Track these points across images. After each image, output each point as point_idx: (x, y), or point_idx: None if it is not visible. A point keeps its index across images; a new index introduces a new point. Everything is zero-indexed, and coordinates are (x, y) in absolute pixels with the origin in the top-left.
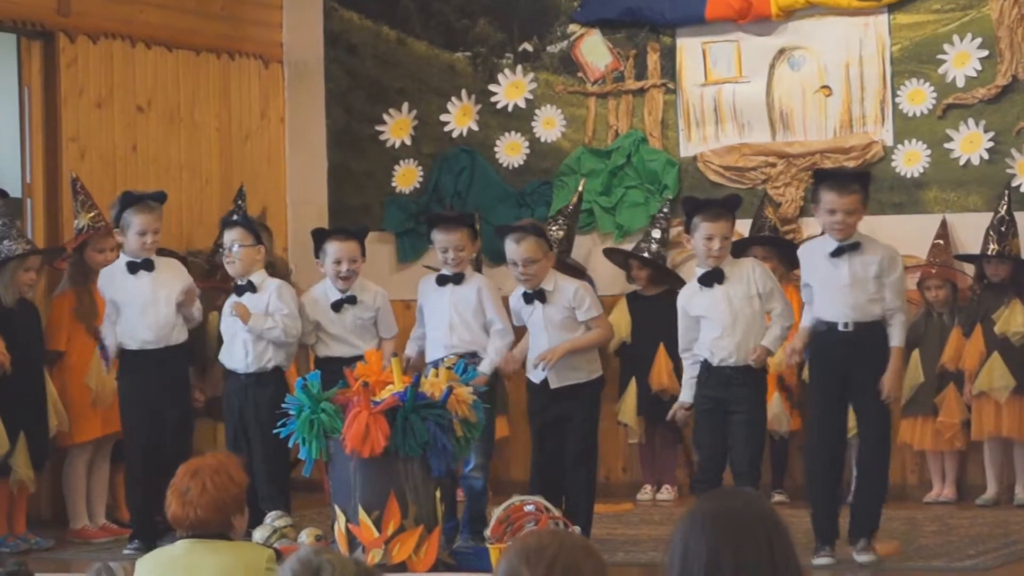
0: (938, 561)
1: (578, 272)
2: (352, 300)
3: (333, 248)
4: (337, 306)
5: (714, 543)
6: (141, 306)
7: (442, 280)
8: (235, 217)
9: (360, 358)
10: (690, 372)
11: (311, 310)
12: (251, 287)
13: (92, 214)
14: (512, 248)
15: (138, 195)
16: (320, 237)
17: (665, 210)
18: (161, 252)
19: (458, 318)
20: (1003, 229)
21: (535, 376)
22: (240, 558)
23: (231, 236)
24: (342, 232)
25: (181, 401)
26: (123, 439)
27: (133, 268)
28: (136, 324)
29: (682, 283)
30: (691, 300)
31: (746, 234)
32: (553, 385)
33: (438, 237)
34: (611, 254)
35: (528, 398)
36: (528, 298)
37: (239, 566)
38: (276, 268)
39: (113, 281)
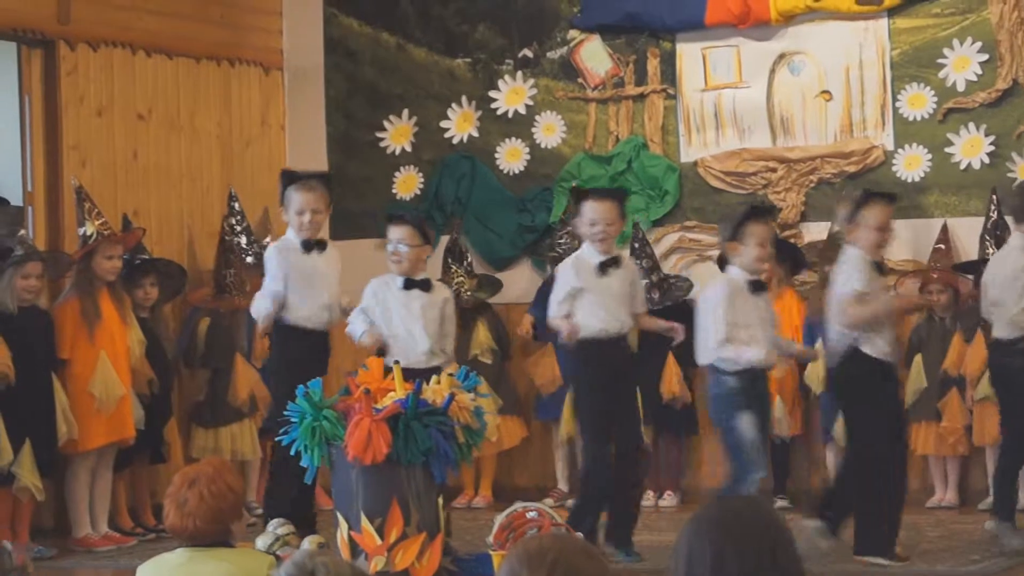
0: (941, 565)
1: None
2: (617, 262)
3: (590, 208)
4: (603, 268)
5: (718, 548)
6: (316, 285)
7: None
8: (403, 214)
9: (621, 337)
10: None
11: (575, 275)
12: (425, 285)
13: (100, 221)
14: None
15: (298, 173)
16: (577, 196)
17: (639, 236)
18: (158, 263)
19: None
20: (998, 233)
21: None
22: (241, 566)
23: (397, 234)
24: (601, 192)
25: None
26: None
27: (308, 247)
28: (307, 303)
29: (690, 283)
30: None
31: None
32: None
33: (595, 208)
34: None
35: (880, 380)
36: (758, 286)
37: (236, 570)
38: None
39: (287, 256)
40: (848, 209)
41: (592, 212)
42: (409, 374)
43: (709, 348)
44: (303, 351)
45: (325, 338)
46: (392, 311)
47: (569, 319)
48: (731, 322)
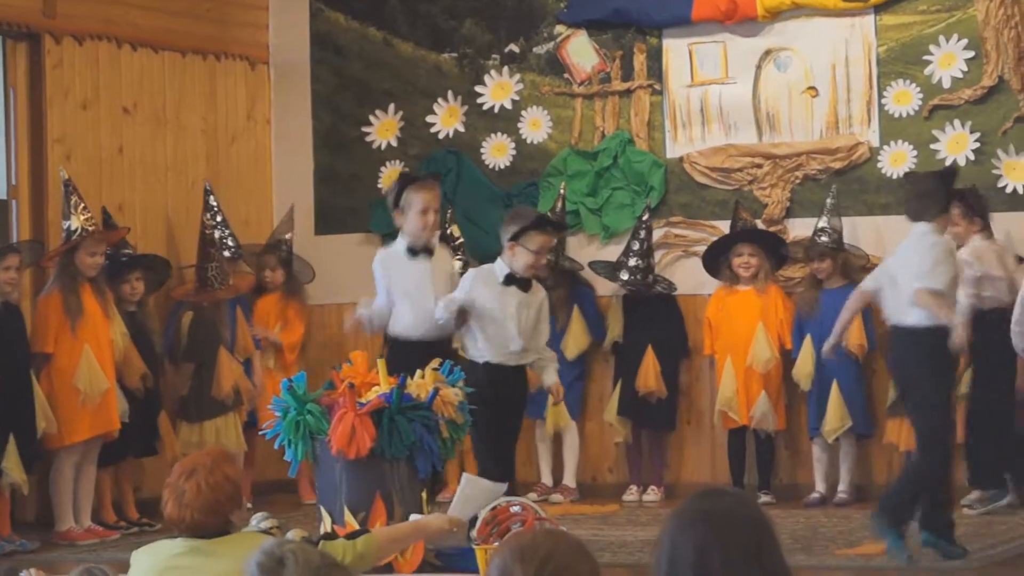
0: (925, 560)
1: (573, 273)
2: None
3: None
4: None
5: (702, 543)
6: (421, 292)
7: None
8: (557, 224)
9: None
10: None
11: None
12: (525, 284)
13: (86, 216)
14: None
15: (416, 174)
16: (951, 187)
17: (644, 218)
18: (143, 258)
19: None
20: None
21: None
22: (239, 558)
23: (546, 243)
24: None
25: None
26: None
27: (413, 252)
28: (411, 311)
29: (672, 286)
30: None
31: None
32: None
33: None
34: (595, 266)
35: None
36: None
37: (241, 564)
38: (300, 278)
39: (390, 265)
40: None
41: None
42: (499, 371)
43: None
44: (410, 361)
45: (438, 346)
46: (486, 306)
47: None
48: None
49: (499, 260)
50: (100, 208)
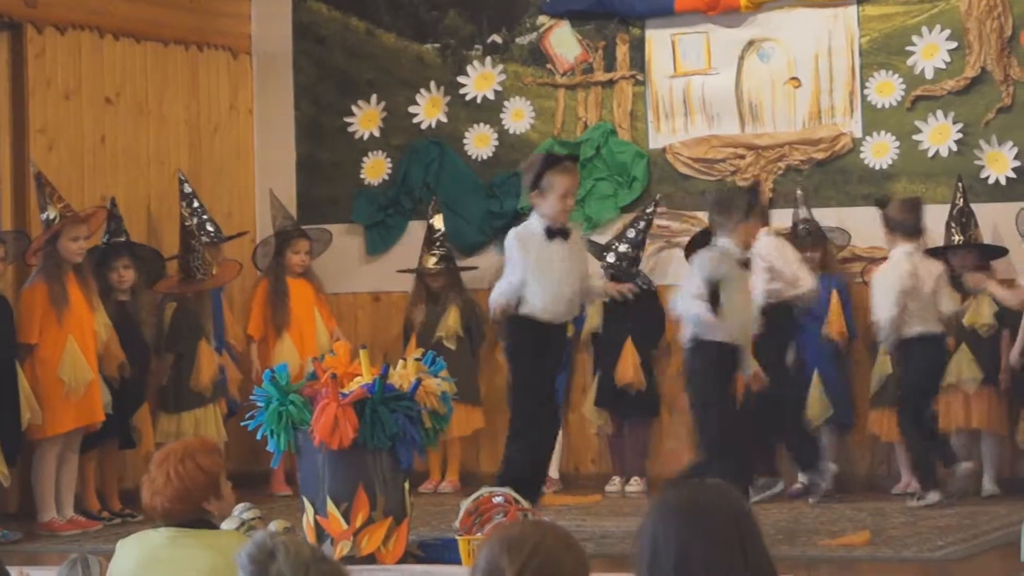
0: (907, 551)
1: None
2: None
3: None
4: None
5: (683, 536)
6: (558, 274)
7: None
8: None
9: None
10: None
11: None
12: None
13: (62, 205)
14: None
15: (559, 156)
16: None
17: (649, 210)
18: (129, 245)
19: None
20: (964, 220)
21: None
22: (223, 551)
23: None
24: None
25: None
26: (514, 404)
27: (551, 234)
28: (543, 294)
29: (651, 283)
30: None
31: None
32: None
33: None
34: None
35: None
36: None
37: (220, 560)
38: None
39: (528, 244)
40: None
41: None
42: (735, 352)
43: None
44: (532, 342)
45: (560, 331)
46: (733, 288)
47: None
48: None
49: (726, 243)
50: (88, 199)
